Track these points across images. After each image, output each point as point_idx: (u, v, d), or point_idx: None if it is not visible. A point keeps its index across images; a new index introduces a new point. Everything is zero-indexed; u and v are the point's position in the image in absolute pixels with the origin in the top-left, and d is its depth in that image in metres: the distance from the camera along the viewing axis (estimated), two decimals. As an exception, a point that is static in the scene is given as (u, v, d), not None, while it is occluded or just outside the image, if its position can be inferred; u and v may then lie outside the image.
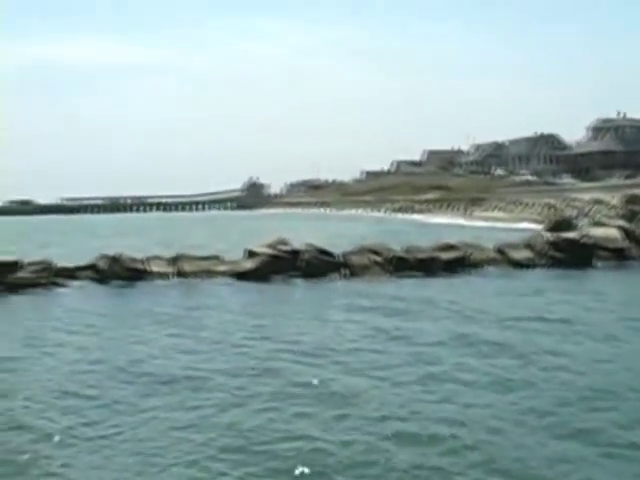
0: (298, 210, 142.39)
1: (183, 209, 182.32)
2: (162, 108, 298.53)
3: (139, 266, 27.87)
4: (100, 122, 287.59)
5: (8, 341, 17.98)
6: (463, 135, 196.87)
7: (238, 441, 10.33)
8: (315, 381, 13.23)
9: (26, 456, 9.98)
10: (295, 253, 28.62)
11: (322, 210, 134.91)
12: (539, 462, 9.30)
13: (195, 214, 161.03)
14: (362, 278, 27.94)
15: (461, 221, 76.11)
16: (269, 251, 28.51)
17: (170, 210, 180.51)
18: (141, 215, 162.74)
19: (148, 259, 28.63)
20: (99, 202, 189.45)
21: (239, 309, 22.14)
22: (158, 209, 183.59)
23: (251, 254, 28.90)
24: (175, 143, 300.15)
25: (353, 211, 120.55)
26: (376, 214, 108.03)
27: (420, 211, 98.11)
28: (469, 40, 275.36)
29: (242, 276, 27.78)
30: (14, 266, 27.24)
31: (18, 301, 24.94)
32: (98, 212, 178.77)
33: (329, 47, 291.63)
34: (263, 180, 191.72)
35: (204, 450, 10.02)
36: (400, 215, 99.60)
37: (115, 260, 27.91)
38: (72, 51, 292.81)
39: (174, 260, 28.68)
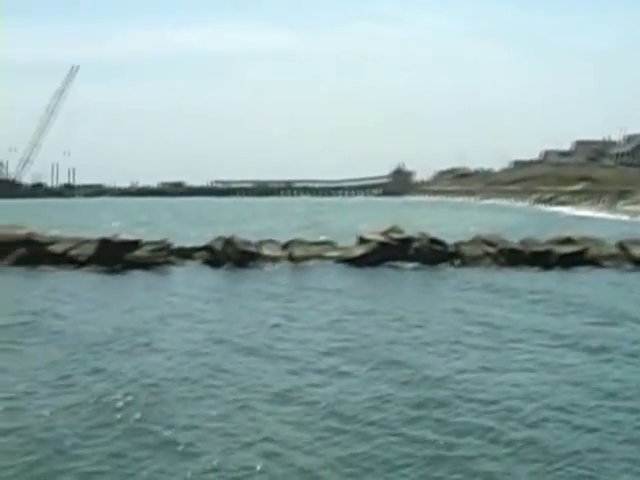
0: (443, 198, 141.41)
1: (329, 194, 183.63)
2: (307, 91, 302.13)
3: (251, 249, 28.41)
4: (244, 107, 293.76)
5: (120, 313, 18.94)
6: (615, 126, 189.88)
7: (311, 417, 10.61)
8: (407, 366, 13.23)
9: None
10: (406, 241, 28.50)
11: (466, 199, 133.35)
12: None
13: (340, 199, 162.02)
14: (473, 269, 27.52)
15: (605, 214, 73.66)
16: (380, 238, 28.54)
17: (317, 195, 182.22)
18: (288, 199, 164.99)
19: (261, 243, 29.18)
20: (248, 186, 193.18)
21: (343, 293, 22.36)
22: (305, 194, 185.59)
23: (362, 240, 28.98)
24: (319, 128, 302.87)
25: (497, 201, 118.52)
26: (520, 204, 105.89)
27: (565, 203, 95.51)
28: (621, 29, 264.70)
29: (352, 262, 27.93)
30: (135, 245, 28.37)
31: (134, 277, 26.08)
32: (247, 195, 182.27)
33: (471, 30, 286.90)
34: (409, 167, 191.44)
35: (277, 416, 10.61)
36: (544, 206, 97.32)
37: (229, 242, 28.56)
38: (211, 38, 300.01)
39: (286, 244, 29.11)
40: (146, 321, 17.58)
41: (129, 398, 11.18)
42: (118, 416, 10.45)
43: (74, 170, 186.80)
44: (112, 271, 26.86)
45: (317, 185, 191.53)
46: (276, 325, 17.24)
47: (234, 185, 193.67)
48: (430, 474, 8.73)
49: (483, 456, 9.18)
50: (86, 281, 25.19)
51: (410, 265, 28.01)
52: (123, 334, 15.98)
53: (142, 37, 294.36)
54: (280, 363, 13.58)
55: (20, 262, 27.86)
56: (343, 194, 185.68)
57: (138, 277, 26.09)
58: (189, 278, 26.00)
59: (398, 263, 28.10)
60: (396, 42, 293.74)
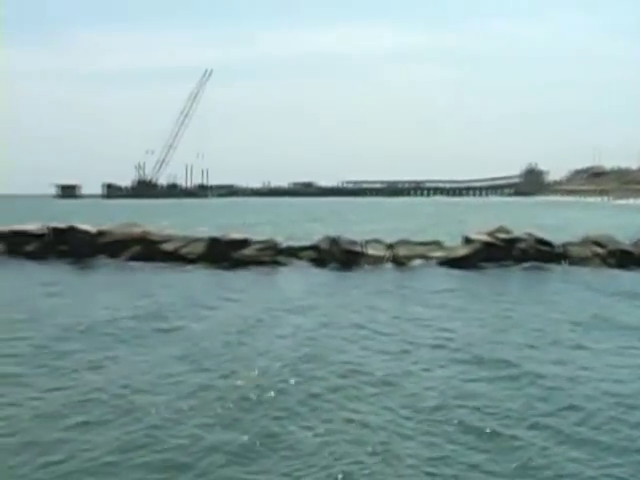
0: (576, 198, 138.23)
1: (460, 194, 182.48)
2: (434, 90, 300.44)
3: (356, 249, 28.66)
4: (374, 108, 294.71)
5: (226, 306, 19.87)
6: None
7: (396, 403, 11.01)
8: (500, 364, 13.20)
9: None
10: (512, 242, 28.16)
11: (599, 199, 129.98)
12: None
13: (471, 200, 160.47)
14: (580, 270, 26.95)
15: None
16: (485, 238, 28.28)
17: (447, 195, 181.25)
18: (418, 199, 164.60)
19: (367, 242, 29.37)
20: (378, 186, 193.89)
21: (443, 292, 22.39)
22: (435, 194, 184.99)
23: (468, 240, 28.80)
24: (448, 127, 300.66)
25: (631, 200, 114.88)
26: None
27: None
28: None
29: (455, 262, 27.75)
30: (243, 244, 29.16)
31: (240, 275, 26.77)
32: (377, 195, 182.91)
33: (605, 26, 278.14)
34: (542, 167, 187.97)
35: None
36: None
37: (335, 242, 28.91)
38: (341, 39, 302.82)
39: (391, 244, 29.21)
40: (249, 316, 18.16)
41: (225, 388, 11.65)
42: (215, 402, 10.91)
43: (207, 171, 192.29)
44: (220, 269, 27.68)
45: (447, 185, 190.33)
46: (372, 320, 17.63)
47: (364, 185, 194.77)
48: (488, 468, 8.75)
49: (545, 457, 9.10)
50: (194, 277, 26.10)
51: (515, 266, 27.69)
52: (230, 327, 16.65)
53: (272, 39, 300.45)
54: (377, 354, 14.04)
55: (134, 258, 29.38)
56: (474, 194, 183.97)
57: (244, 274, 26.73)
58: (292, 276, 26.59)
59: (503, 264, 27.82)
60: (528, 39, 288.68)
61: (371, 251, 28.67)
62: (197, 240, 29.76)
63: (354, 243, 29.15)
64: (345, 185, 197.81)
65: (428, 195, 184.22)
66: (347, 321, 17.42)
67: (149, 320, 17.49)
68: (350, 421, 10.14)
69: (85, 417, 10.27)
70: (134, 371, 12.76)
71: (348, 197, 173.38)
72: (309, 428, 9.93)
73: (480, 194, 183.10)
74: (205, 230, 34.44)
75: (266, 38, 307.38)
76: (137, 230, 30.85)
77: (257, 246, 29.09)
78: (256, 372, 12.48)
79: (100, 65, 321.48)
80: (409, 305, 20.07)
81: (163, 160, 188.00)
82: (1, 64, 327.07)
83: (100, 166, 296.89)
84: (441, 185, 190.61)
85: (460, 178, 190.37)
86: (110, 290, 23.27)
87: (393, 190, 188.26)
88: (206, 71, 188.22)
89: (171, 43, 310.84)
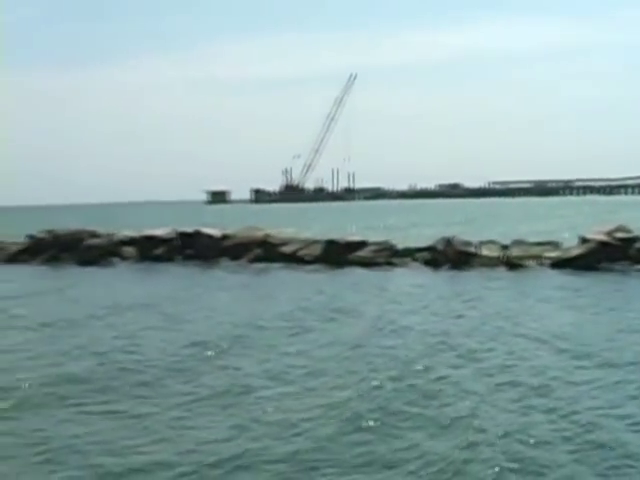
0: None
1: (611, 193, 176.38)
2: (582, 89, 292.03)
3: (470, 250, 28.87)
4: (516, 108, 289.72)
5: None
6: None
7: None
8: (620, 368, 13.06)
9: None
10: (629, 241, 27.55)
11: None
12: None
13: (623, 198, 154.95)
14: None
15: None
16: (601, 237, 27.77)
17: (598, 194, 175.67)
18: (567, 199, 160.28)
19: (481, 243, 29.53)
20: (526, 186, 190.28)
21: (550, 291, 22.63)
22: (585, 193, 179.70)
23: (584, 240, 28.42)
24: (596, 125, 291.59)
25: None
26: None
27: None
28: None
29: (568, 262, 27.45)
30: (360, 245, 30.00)
31: (349, 275, 27.64)
32: (525, 195, 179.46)
33: None
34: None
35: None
36: None
37: (449, 242, 29.22)
38: (477, 40, 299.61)
39: (506, 245, 29.21)
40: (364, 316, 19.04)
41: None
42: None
43: (353, 174, 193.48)
44: (335, 270, 28.57)
45: (598, 184, 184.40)
46: (482, 315, 18.51)
47: (512, 186, 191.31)
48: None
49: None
50: (314, 278, 27.07)
51: (632, 266, 27.12)
52: (351, 326, 17.56)
53: (412, 42, 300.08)
54: (487, 342, 15.08)
55: (256, 260, 30.89)
56: (626, 192, 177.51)
57: (359, 276, 27.34)
58: (405, 277, 27.18)
59: (620, 264, 27.36)
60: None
61: (485, 252, 28.79)
62: (315, 242, 30.85)
63: (468, 244, 29.40)
64: (492, 186, 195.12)
65: (578, 194, 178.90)
66: (458, 317, 18.34)
67: (274, 321, 18.33)
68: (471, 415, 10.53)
69: (185, 414, 10.88)
70: (252, 368, 13.50)
71: (495, 197, 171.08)
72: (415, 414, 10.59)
73: (633, 192, 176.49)
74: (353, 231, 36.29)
75: (410, 40, 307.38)
76: (259, 234, 32.24)
77: (373, 247, 29.83)
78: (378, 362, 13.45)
79: (249, 73, 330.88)
80: (519, 302, 20.65)
81: (310, 165, 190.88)
82: (150, 75, 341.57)
83: (249, 172, 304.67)
84: (592, 184, 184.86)
85: (612, 176, 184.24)
86: (242, 290, 24.62)
87: (542, 190, 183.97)
88: (351, 75, 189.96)
89: (315, 49, 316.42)
